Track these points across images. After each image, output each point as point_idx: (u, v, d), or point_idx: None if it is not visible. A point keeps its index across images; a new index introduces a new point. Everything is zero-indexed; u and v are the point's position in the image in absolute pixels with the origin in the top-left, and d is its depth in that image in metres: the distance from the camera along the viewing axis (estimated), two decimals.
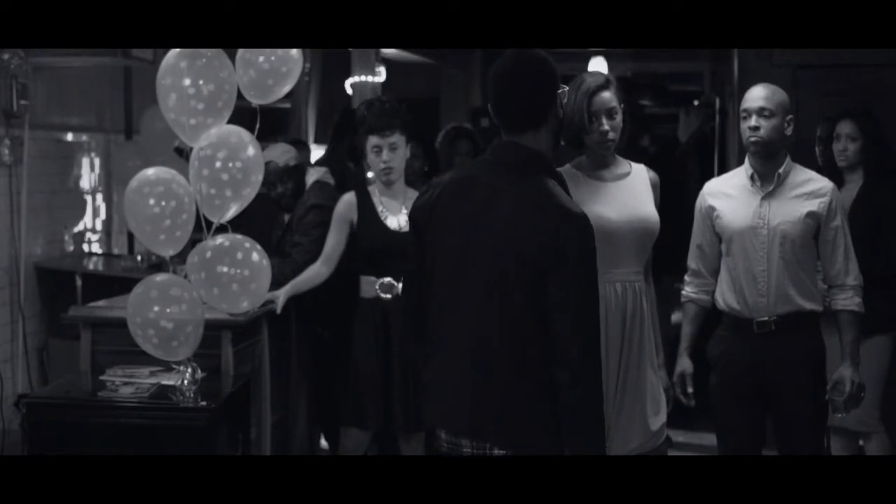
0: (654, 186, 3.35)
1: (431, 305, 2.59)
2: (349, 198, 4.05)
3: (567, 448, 2.48)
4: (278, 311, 4.06)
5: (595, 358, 2.47)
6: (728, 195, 3.58)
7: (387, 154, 3.93)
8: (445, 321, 2.55)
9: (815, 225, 3.46)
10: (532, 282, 2.42)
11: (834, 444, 4.40)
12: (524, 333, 2.44)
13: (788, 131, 3.49)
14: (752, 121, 3.46)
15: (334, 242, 4.06)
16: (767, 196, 3.49)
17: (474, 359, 2.48)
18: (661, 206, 3.34)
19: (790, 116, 3.49)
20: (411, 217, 2.70)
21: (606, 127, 3.22)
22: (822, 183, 3.52)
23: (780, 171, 3.49)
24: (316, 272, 4.08)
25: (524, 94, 2.53)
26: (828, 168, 4.38)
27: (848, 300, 3.48)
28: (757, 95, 3.48)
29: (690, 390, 3.56)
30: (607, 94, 3.22)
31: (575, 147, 3.31)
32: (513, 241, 2.44)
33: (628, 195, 3.28)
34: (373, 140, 3.93)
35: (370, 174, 5.60)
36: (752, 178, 3.53)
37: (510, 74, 2.54)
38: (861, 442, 4.42)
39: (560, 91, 2.58)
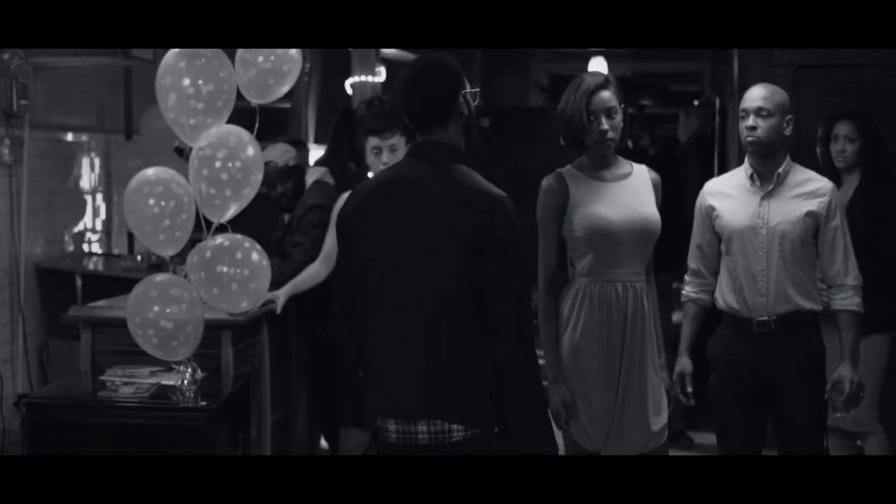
0: (655, 187, 3.35)
1: (370, 304, 2.69)
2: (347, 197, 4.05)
3: (513, 420, 2.62)
4: (278, 311, 4.06)
5: (528, 332, 2.63)
6: (727, 195, 3.58)
7: (386, 156, 3.93)
8: (388, 316, 2.65)
9: (815, 225, 3.46)
10: (466, 264, 2.57)
11: (832, 444, 4.40)
12: (465, 314, 2.59)
13: (787, 131, 3.49)
14: (750, 120, 3.46)
15: (333, 242, 4.05)
16: (767, 196, 3.49)
17: (421, 346, 2.60)
18: (661, 206, 3.35)
19: (789, 116, 3.49)
20: (339, 223, 2.79)
21: (605, 126, 3.22)
22: (822, 183, 3.52)
23: (780, 170, 3.49)
24: (315, 272, 4.08)
25: (426, 96, 2.69)
26: (829, 168, 4.37)
27: (847, 300, 3.48)
28: (755, 95, 3.49)
29: (690, 390, 3.56)
30: (606, 94, 3.23)
31: (575, 147, 3.32)
32: (443, 226, 2.59)
33: (629, 195, 3.29)
34: (373, 141, 3.93)
35: (371, 175, 5.61)
36: (751, 177, 3.53)
37: (413, 80, 2.71)
38: (859, 442, 4.42)
39: (464, 91, 2.71)
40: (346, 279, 2.77)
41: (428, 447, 2.62)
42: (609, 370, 3.24)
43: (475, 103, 2.75)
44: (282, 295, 4.05)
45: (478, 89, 2.79)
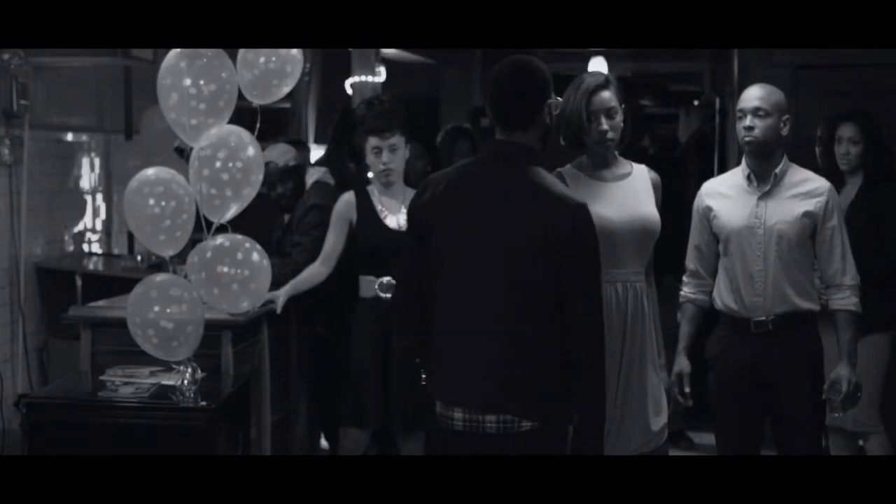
0: (655, 187, 3.35)
1: (439, 296, 2.74)
2: (348, 197, 4.05)
3: (577, 417, 2.70)
4: (278, 311, 4.06)
5: (600, 332, 2.72)
6: (725, 195, 3.58)
7: (386, 155, 3.93)
8: (460, 309, 2.71)
9: (812, 225, 3.46)
10: (541, 264, 2.63)
11: (833, 443, 4.40)
12: (538, 312, 2.65)
13: (784, 131, 3.49)
14: (748, 121, 3.47)
15: (333, 242, 4.06)
16: (764, 196, 3.49)
17: (494, 340, 2.67)
18: (661, 206, 3.34)
19: (786, 117, 3.49)
20: (411, 215, 2.85)
21: (605, 126, 3.22)
22: (819, 183, 3.52)
23: (777, 170, 3.50)
24: (315, 272, 4.08)
25: (517, 95, 2.74)
26: (828, 168, 4.38)
27: (845, 300, 3.48)
28: (752, 95, 3.49)
29: (688, 390, 3.56)
30: (606, 94, 3.23)
31: (575, 147, 3.31)
32: (518, 227, 2.64)
33: (629, 195, 3.28)
34: (372, 141, 3.93)
35: (371, 174, 5.62)
36: (748, 178, 3.53)
37: (508, 78, 2.76)
38: (861, 442, 4.42)
39: (551, 100, 2.77)
40: (412, 271, 2.83)
41: (495, 436, 2.68)
42: (609, 371, 3.24)
43: (555, 113, 2.82)
44: (282, 295, 4.05)
45: (560, 99, 2.85)
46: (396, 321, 2.92)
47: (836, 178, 4.07)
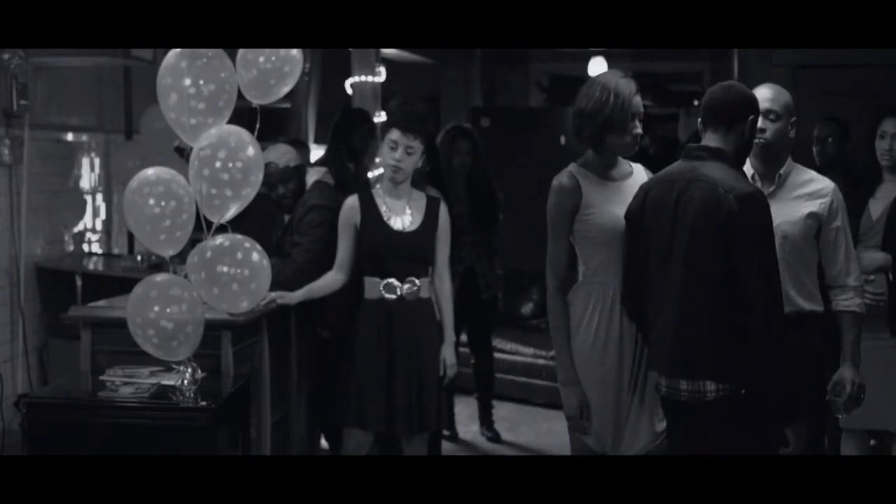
0: None
1: (647, 283, 3.14)
2: (352, 202, 4.04)
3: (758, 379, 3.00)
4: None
5: (779, 306, 3.07)
6: None
7: (401, 153, 3.92)
8: (660, 292, 3.10)
9: (816, 225, 3.46)
10: (719, 246, 2.98)
11: (845, 444, 4.35)
12: (721, 290, 2.99)
13: (792, 133, 3.48)
14: (759, 122, 3.45)
15: (344, 249, 4.05)
16: (768, 197, 3.48)
17: (681, 316, 3.04)
18: None
19: (794, 119, 3.48)
20: (626, 215, 3.23)
21: (639, 129, 3.28)
22: (824, 183, 3.51)
23: (781, 171, 3.49)
24: (332, 279, 4.06)
25: (730, 98, 3.17)
26: (826, 168, 4.36)
27: (849, 301, 3.48)
28: (763, 97, 3.45)
29: None
30: (638, 99, 3.28)
31: (595, 147, 3.30)
32: (698, 217, 3.01)
33: None
34: (393, 134, 3.92)
35: (371, 175, 5.62)
36: (752, 178, 3.52)
37: (729, 85, 3.22)
38: (872, 442, 4.37)
39: (753, 118, 3.17)
40: (631, 261, 3.21)
41: (687, 403, 3.05)
42: (624, 371, 3.24)
43: (750, 132, 3.17)
44: (295, 300, 4.05)
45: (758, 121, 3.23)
46: (626, 309, 3.25)
47: (834, 177, 4.04)
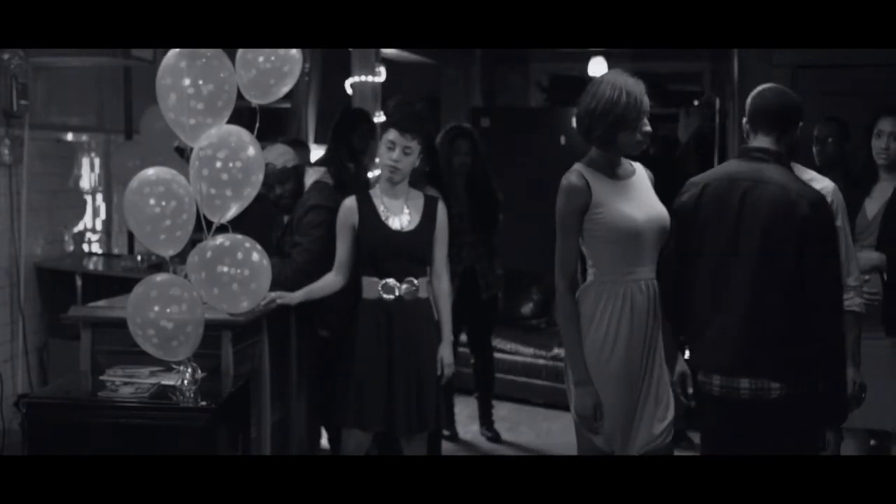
0: (653, 185, 3.38)
1: (701, 279, 3.19)
2: (349, 203, 4.04)
3: (822, 384, 3.08)
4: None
5: (842, 307, 3.18)
6: None
7: (398, 153, 3.92)
8: (720, 289, 3.14)
9: None
10: (791, 248, 3.04)
11: (845, 444, 4.33)
12: (787, 290, 3.05)
13: (796, 134, 3.48)
14: None
15: (343, 250, 4.05)
16: None
17: (751, 315, 3.09)
18: None
19: (800, 123, 3.48)
20: (676, 210, 3.26)
21: (649, 128, 3.28)
22: (824, 183, 3.50)
23: None
24: (331, 281, 4.06)
25: (781, 105, 3.23)
26: (826, 168, 4.36)
27: (849, 301, 3.47)
28: None
29: (690, 391, 3.56)
30: (647, 98, 3.27)
31: (602, 146, 3.28)
32: (771, 219, 3.07)
33: (644, 194, 3.31)
34: (391, 134, 3.93)
35: (371, 175, 5.61)
36: None
37: (780, 91, 3.28)
38: (872, 442, 4.37)
39: (801, 124, 3.24)
40: (678, 258, 3.26)
41: (748, 401, 3.09)
42: (634, 370, 3.24)
43: (795, 138, 3.25)
44: (294, 300, 4.05)
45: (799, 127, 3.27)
46: (664, 308, 3.28)
47: (834, 177, 4.04)
